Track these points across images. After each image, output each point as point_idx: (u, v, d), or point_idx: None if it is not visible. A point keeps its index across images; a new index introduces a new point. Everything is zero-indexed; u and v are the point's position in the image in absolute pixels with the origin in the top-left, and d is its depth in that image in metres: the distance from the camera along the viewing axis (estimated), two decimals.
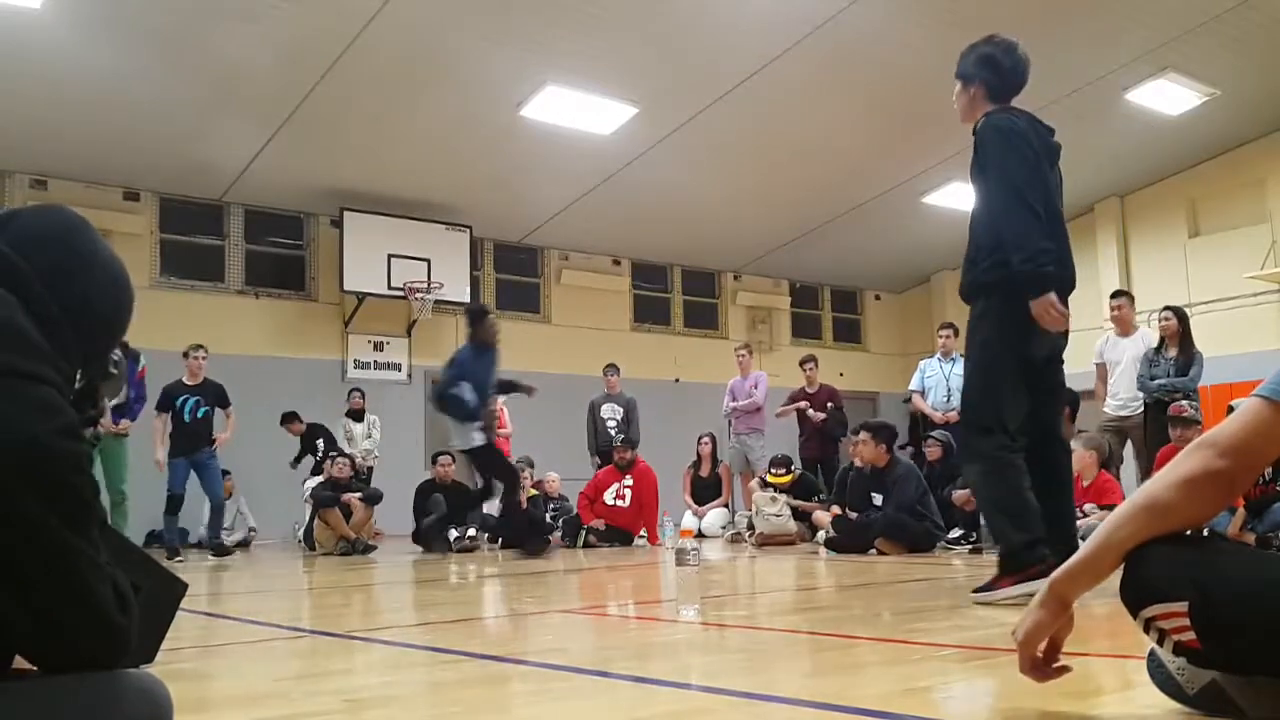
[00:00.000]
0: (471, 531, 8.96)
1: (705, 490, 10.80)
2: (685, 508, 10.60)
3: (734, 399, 10.81)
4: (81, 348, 1.33)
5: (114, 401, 7.60)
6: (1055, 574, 1.58)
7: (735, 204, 14.08)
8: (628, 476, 9.39)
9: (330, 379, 12.93)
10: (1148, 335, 8.54)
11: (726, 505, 10.95)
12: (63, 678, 1.20)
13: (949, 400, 9.02)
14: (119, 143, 11.16)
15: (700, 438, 10.96)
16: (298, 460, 11.13)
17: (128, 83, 9.95)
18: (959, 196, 14.68)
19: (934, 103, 11.70)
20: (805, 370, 10.70)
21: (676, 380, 15.07)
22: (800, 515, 8.80)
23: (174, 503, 8.69)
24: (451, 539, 8.86)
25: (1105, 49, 11.15)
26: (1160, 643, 1.49)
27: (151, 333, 9.74)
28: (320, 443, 10.95)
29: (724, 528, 10.22)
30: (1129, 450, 8.33)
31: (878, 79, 11.21)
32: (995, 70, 3.76)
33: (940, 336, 9.45)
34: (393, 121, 11.33)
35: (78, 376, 1.35)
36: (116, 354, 1.49)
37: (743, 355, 11.06)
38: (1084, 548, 1.57)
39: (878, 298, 18.64)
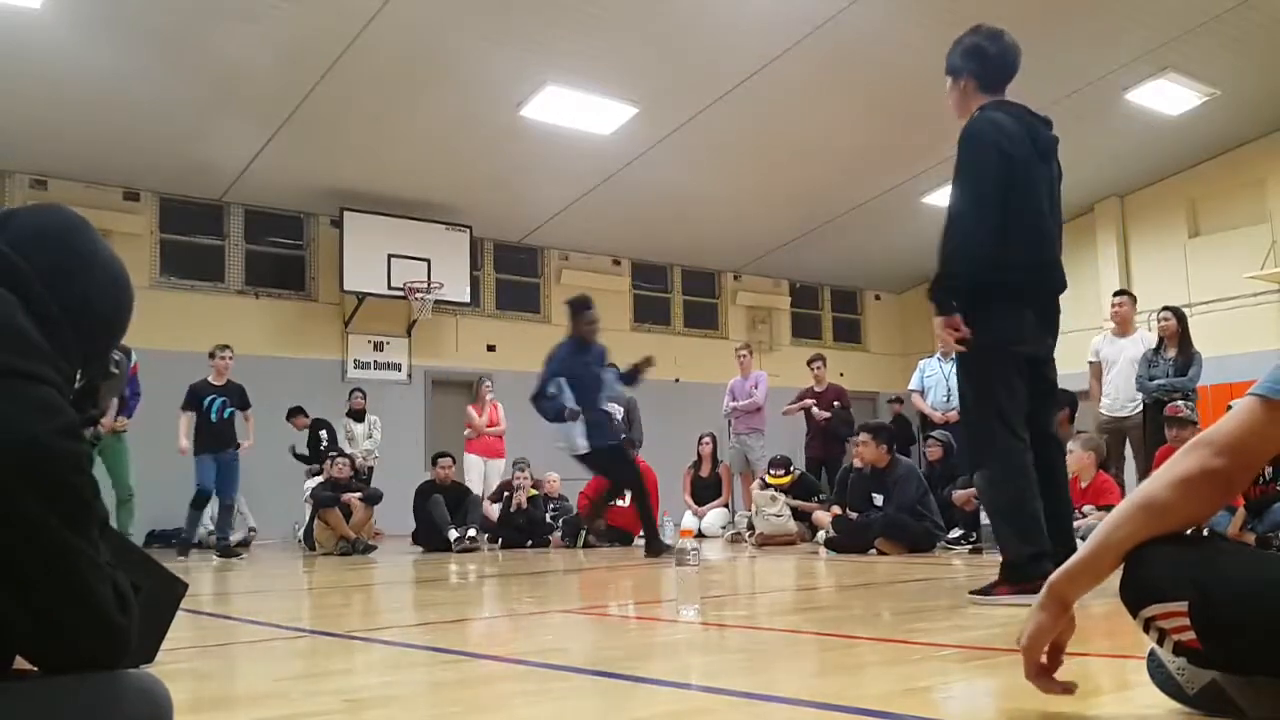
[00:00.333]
0: (472, 532, 8.97)
1: (705, 490, 10.79)
2: (685, 508, 10.60)
3: (734, 399, 10.81)
4: (82, 348, 1.33)
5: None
6: (1055, 575, 1.58)
7: (735, 204, 14.08)
8: None
9: (330, 379, 12.93)
10: (1146, 336, 8.55)
11: (726, 505, 10.95)
12: (63, 678, 1.19)
13: (948, 400, 9.02)
14: (119, 143, 11.16)
15: (700, 438, 10.96)
16: (307, 452, 11.10)
17: (128, 83, 9.95)
18: None
19: (934, 103, 11.73)
20: (813, 369, 10.70)
21: (676, 380, 15.07)
22: (800, 515, 8.80)
23: (201, 498, 8.75)
24: (452, 539, 8.87)
25: (1105, 49, 11.15)
26: (1160, 643, 1.49)
27: (151, 333, 9.78)
28: (324, 433, 10.97)
29: (724, 528, 10.22)
30: (1128, 450, 8.33)
31: (878, 79, 11.21)
32: (982, 60, 3.73)
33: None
34: (393, 121, 11.33)
35: (78, 376, 1.35)
36: (117, 354, 1.49)
37: (743, 355, 11.06)
38: (1083, 548, 1.57)
39: (878, 298, 18.64)
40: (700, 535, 9.93)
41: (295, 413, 11.21)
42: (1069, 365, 3.94)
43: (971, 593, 3.62)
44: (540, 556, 7.88)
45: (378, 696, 2.24)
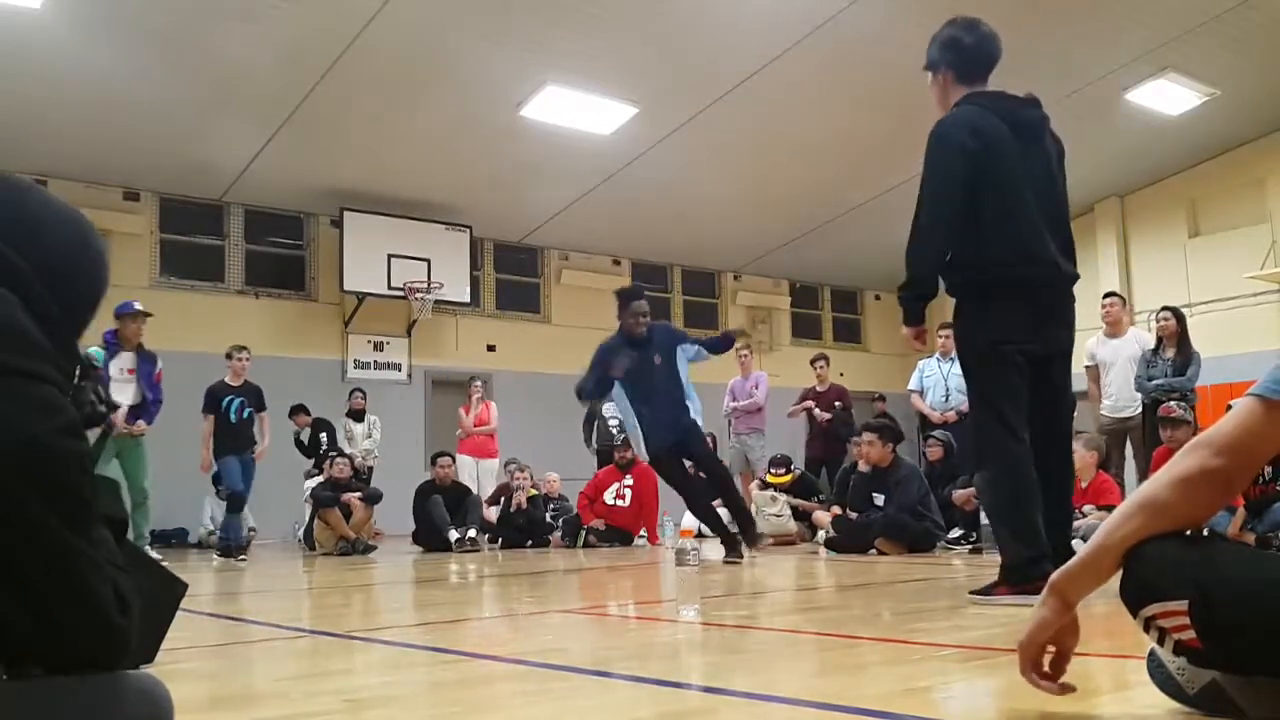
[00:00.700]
0: (472, 533, 8.97)
1: (705, 490, 10.77)
2: (685, 508, 10.58)
3: (734, 399, 10.81)
4: (76, 334, 1.33)
5: (130, 402, 7.63)
6: (1056, 575, 1.58)
7: (735, 204, 14.09)
8: (628, 476, 9.38)
9: (330, 379, 12.93)
10: (1141, 336, 8.55)
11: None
12: (63, 678, 1.19)
13: (947, 400, 9.03)
14: (119, 143, 11.17)
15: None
16: (308, 447, 11.10)
17: (128, 83, 9.95)
18: None
19: (934, 103, 11.81)
20: (816, 369, 10.70)
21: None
22: (800, 515, 8.80)
23: (236, 501, 8.73)
24: (452, 539, 8.87)
25: (1105, 49, 11.16)
26: (1160, 642, 1.49)
27: (152, 333, 9.73)
28: (324, 435, 10.97)
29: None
30: (1128, 450, 8.33)
31: (878, 79, 11.21)
32: (958, 51, 3.68)
33: (940, 336, 9.43)
34: (393, 121, 11.34)
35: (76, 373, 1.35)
36: (96, 354, 1.50)
37: (744, 355, 11.05)
38: (1084, 549, 1.57)
39: (878, 298, 18.64)
40: (700, 535, 9.91)
41: (297, 410, 11.21)
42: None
43: (971, 593, 3.62)
44: (540, 556, 7.88)
45: (378, 696, 2.24)
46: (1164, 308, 8.16)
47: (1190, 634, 1.42)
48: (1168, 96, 12.40)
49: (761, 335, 16.52)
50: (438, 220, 13.44)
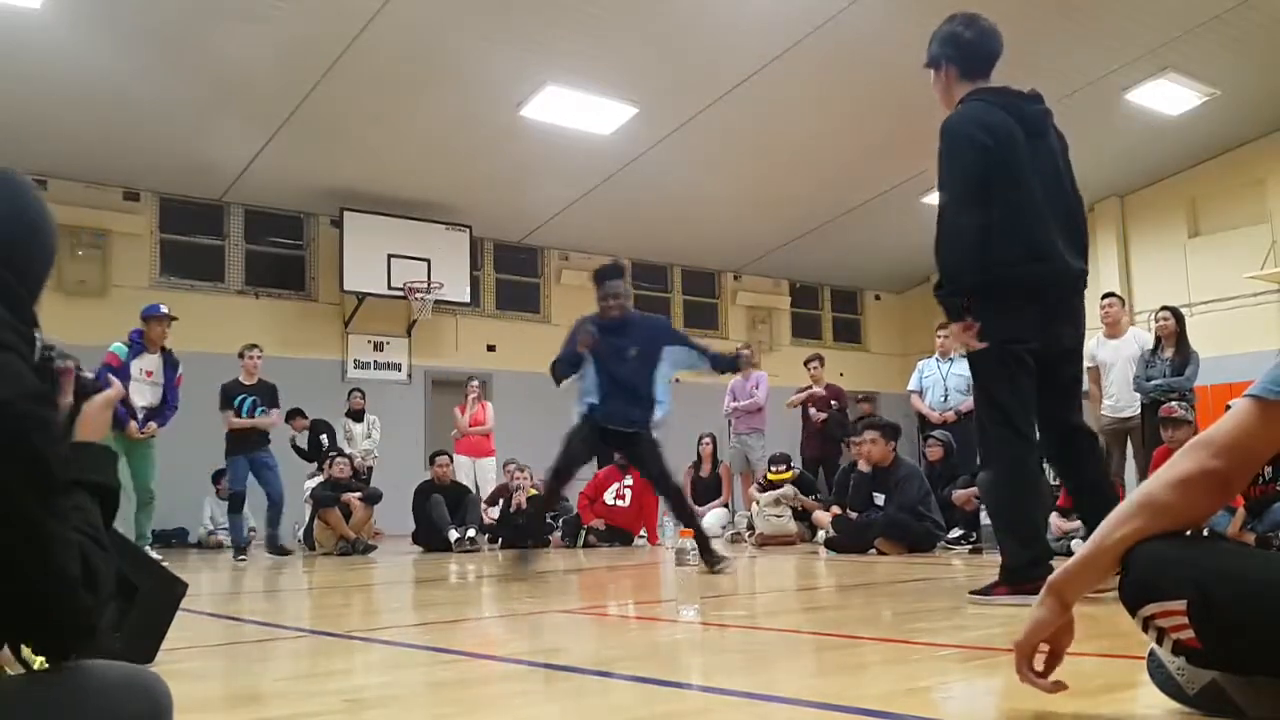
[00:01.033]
0: (471, 532, 8.97)
1: (705, 490, 10.79)
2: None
3: (735, 399, 10.82)
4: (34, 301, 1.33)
5: (147, 404, 7.65)
6: (1054, 574, 1.58)
7: (735, 204, 14.09)
8: (628, 476, 9.38)
9: (330, 379, 12.93)
10: (1141, 336, 8.55)
11: (726, 505, 10.95)
12: (62, 675, 1.19)
13: (946, 400, 9.04)
14: (119, 143, 11.16)
15: (701, 438, 10.96)
16: (309, 449, 11.09)
17: (128, 83, 9.95)
18: None
19: (934, 103, 11.80)
20: (810, 369, 10.69)
21: (676, 380, 15.06)
22: (800, 515, 8.80)
23: (236, 501, 8.75)
24: (452, 539, 8.88)
25: (1105, 49, 11.15)
26: (1159, 642, 1.50)
27: None
28: (324, 438, 10.97)
29: (724, 528, 10.22)
30: (1128, 450, 8.34)
31: (878, 79, 11.21)
32: (959, 46, 3.66)
33: (938, 337, 9.44)
34: (393, 121, 11.34)
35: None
36: (67, 361, 1.47)
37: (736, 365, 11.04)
38: (1083, 548, 1.57)
39: (878, 298, 18.65)
40: (703, 536, 9.91)
41: (294, 414, 11.20)
42: None
43: (971, 593, 3.62)
44: (540, 556, 7.87)
45: (378, 696, 2.24)
46: (1163, 308, 8.16)
47: (1189, 634, 1.43)
48: (1168, 96, 12.39)
49: (761, 335, 16.53)
50: (438, 220, 13.44)
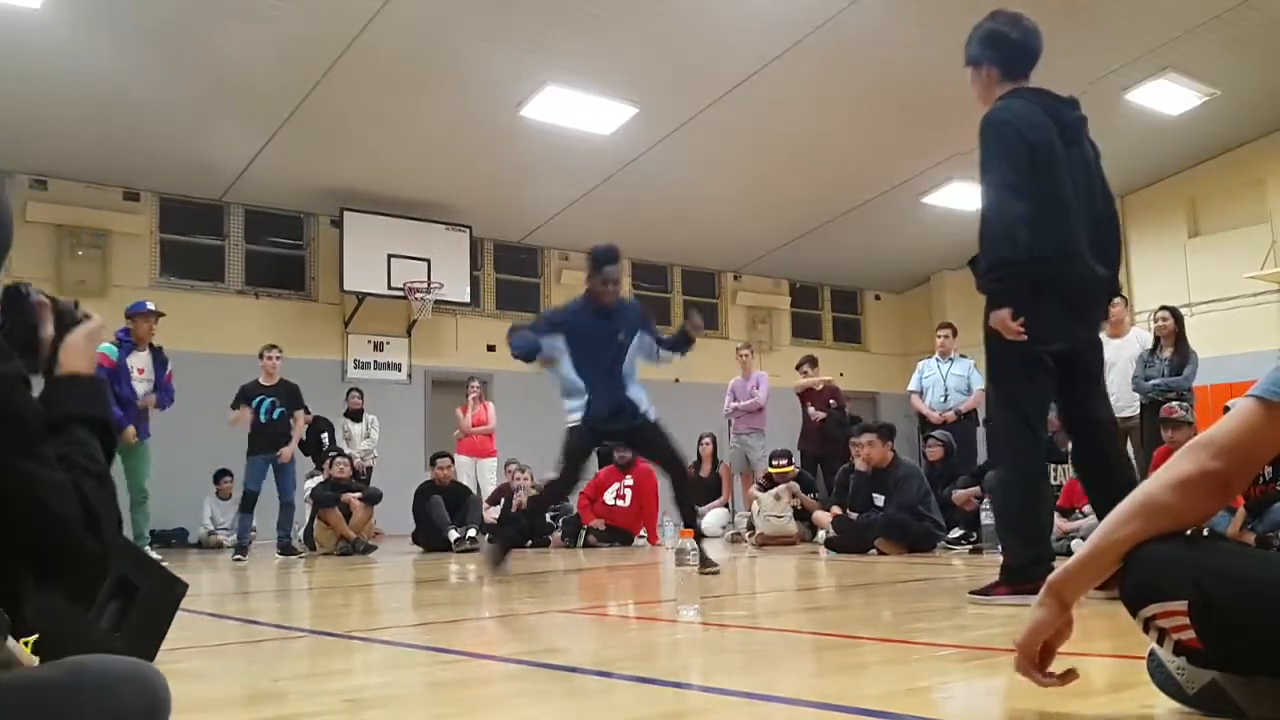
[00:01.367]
0: (472, 533, 8.97)
1: (705, 490, 10.79)
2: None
3: (735, 399, 10.82)
4: None
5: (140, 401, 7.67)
6: (1054, 574, 1.58)
7: (735, 204, 14.09)
8: (628, 476, 9.39)
9: (330, 379, 12.93)
10: (1141, 335, 8.55)
11: (726, 505, 10.95)
12: (60, 670, 1.19)
13: (946, 400, 9.04)
14: (119, 143, 11.16)
15: (701, 438, 10.96)
16: (306, 444, 11.09)
17: (128, 83, 9.95)
18: (959, 196, 14.69)
19: (934, 103, 11.82)
20: (801, 373, 10.67)
21: (676, 380, 15.08)
22: (800, 515, 8.80)
23: (249, 500, 8.72)
24: (452, 540, 8.87)
25: (1105, 49, 11.15)
26: (1160, 642, 1.50)
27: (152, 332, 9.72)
28: (325, 436, 10.96)
29: (724, 528, 10.23)
30: (1129, 450, 8.33)
31: (878, 79, 11.22)
32: (1002, 46, 3.64)
33: (938, 337, 9.45)
34: (393, 121, 11.34)
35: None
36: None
37: (745, 355, 11.06)
38: (1083, 548, 1.57)
39: (878, 298, 18.65)
40: (700, 535, 9.90)
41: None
42: None
43: (971, 593, 3.61)
44: (540, 556, 7.88)
45: (378, 696, 2.24)
46: (1161, 307, 8.15)
47: (1190, 634, 1.43)
48: (1168, 96, 12.40)
49: (761, 335, 16.53)
50: (438, 220, 13.44)
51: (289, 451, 8.81)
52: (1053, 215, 3.46)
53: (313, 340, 13.11)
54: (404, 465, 11.86)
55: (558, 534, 9.36)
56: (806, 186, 13.91)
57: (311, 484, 10.04)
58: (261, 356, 8.94)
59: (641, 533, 9.46)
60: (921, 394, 9.28)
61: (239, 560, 8.16)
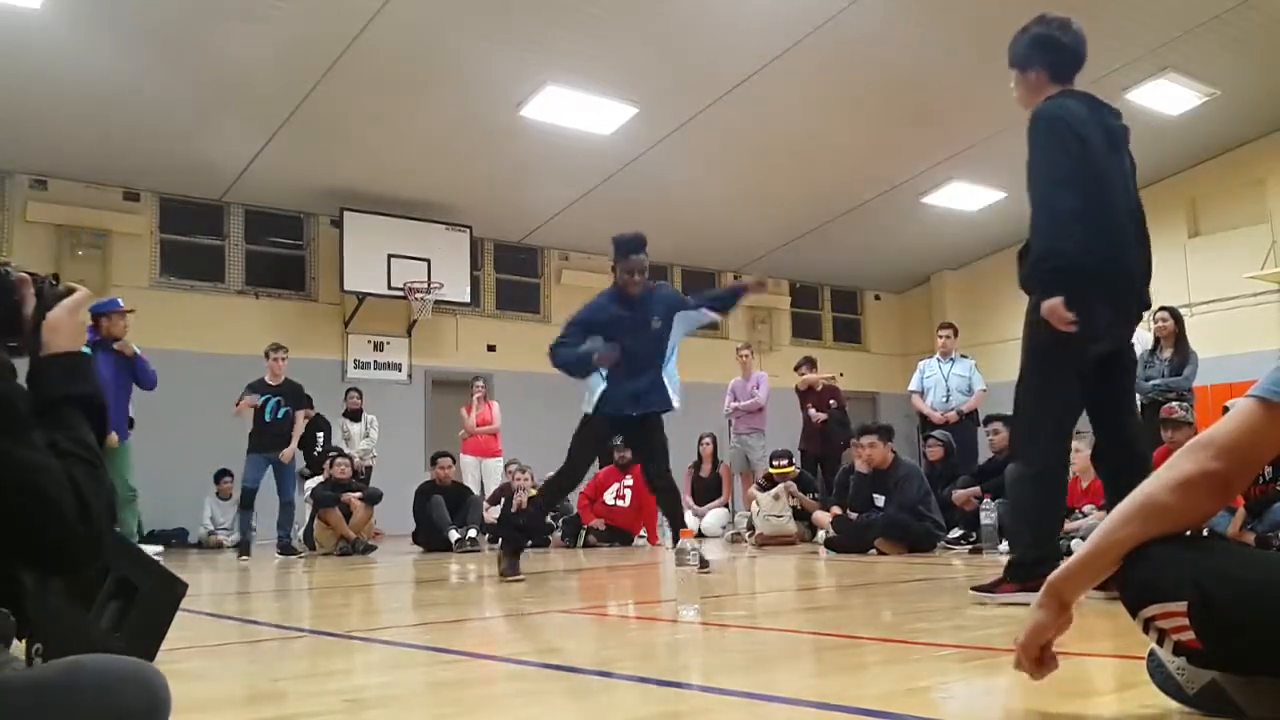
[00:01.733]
0: (472, 533, 8.97)
1: (706, 490, 10.80)
2: (685, 508, 10.58)
3: (735, 399, 10.82)
4: None
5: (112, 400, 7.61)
6: (1053, 574, 1.58)
7: (735, 204, 14.09)
8: (628, 476, 9.39)
9: (330, 379, 12.92)
10: (1142, 336, 8.54)
11: (726, 505, 10.95)
12: (61, 668, 1.19)
13: (948, 400, 9.04)
14: (119, 143, 11.16)
15: (701, 438, 10.95)
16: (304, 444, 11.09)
17: (128, 83, 9.95)
18: (959, 196, 14.71)
19: (934, 103, 11.84)
20: (799, 374, 10.66)
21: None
22: (800, 515, 8.80)
23: (248, 497, 8.76)
24: (452, 540, 8.87)
25: (1105, 49, 11.13)
26: (1160, 643, 1.49)
27: (151, 332, 9.76)
28: (320, 436, 10.97)
29: (724, 528, 10.23)
30: None
31: (878, 79, 11.22)
32: (1054, 50, 3.63)
33: (939, 337, 9.45)
34: (393, 121, 11.34)
35: None
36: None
37: (745, 355, 11.06)
38: (1082, 549, 1.57)
39: (878, 298, 18.65)
40: (700, 535, 9.93)
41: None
42: None
43: (974, 588, 3.60)
44: (540, 556, 7.88)
45: (378, 696, 2.24)
46: (1161, 308, 8.14)
47: (1190, 634, 1.42)
48: (1168, 96, 12.40)
49: (761, 335, 16.52)
50: (438, 220, 13.44)
51: (290, 452, 8.81)
52: (1102, 211, 3.45)
53: (313, 340, 13.10)
54: (404, 465, 11.86)
55: (558, 534, 9.36)
56: (806, 186, 13.92)
57: (312, 484, 10.05)
58: (268, 356, 8.95)
59: (641, 533, 9.46)
60: (923, 394, 9.28)
61: (244, 560, 8.16)
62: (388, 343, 13.76)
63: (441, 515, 9.11)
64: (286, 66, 10.10)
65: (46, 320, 1.37)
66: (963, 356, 9.34)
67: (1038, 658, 1.58)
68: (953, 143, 12.97)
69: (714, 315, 5.96)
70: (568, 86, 11.00)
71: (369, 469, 11.17)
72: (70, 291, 1.42)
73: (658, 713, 1.93)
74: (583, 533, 9.16)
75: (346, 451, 10.54)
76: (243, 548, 8.65)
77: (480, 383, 11.36)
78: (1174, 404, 6.69)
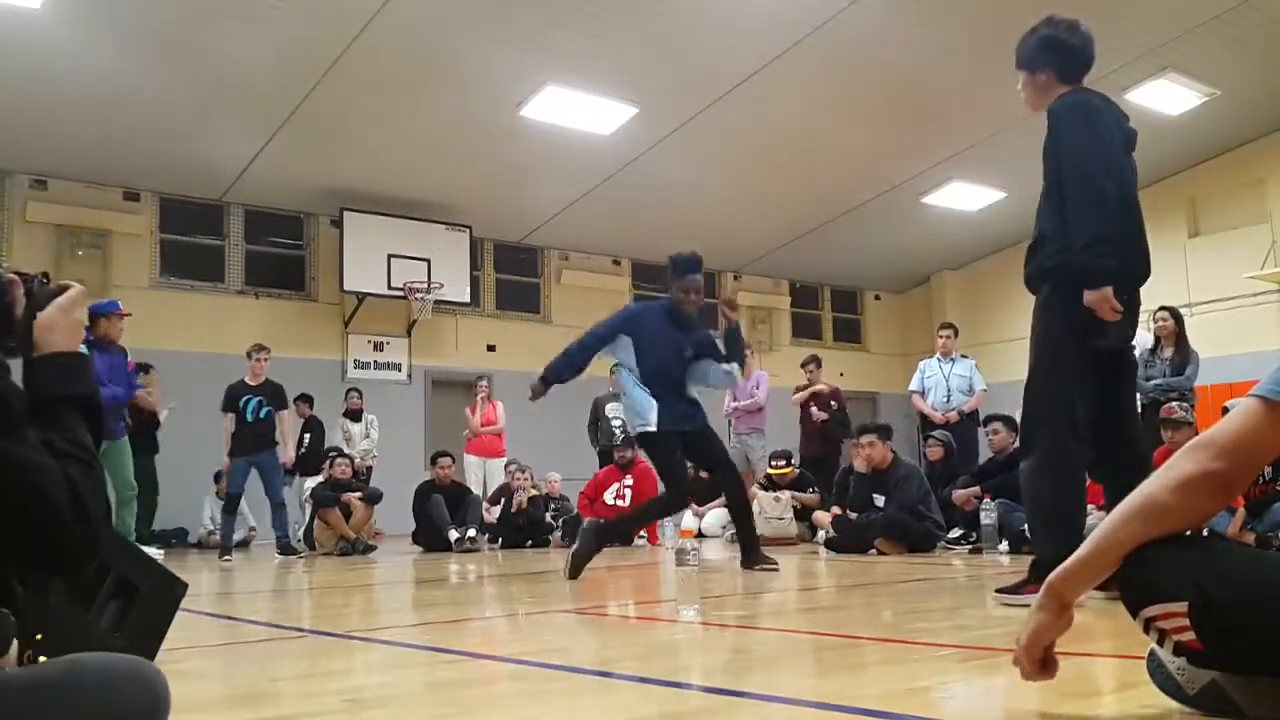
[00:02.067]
0: (472, 532, 8.97)
1: (706, 490, 10.78)
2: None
3: (735, 399, 10.81)
4: None
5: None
6: (1053, 575, 1.58)
7: (735, 204, 14.09)
8: (628, 476, 9.39)
9: (330, 379, 12.92)
10: (1142, 336, 8.54)
11: (727, 505, 10.92)
12: (61, 668, 1.19)
13: (948, 400, 9.04)
14: (119, 143, 11.16)
15: None
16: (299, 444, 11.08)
17: (128, 83, 9.95)
18: (959, 196, 14.70)
19: (934, 103, 11.84)
20: (806, 371, 10.66)
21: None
22: (801, 515, 8.80)
23: (232, 502, 8.79)
24: (452, 539, 8.87)
25: (1105, 49, 11.06)
26: (1160, 643, 1.49)
27: (152, 333, 9.76)
28: (307, 437, 10.97)
29: (724, 528, 10.21)
30: None
31: (878, 79, 11.21)
32: (1063, 51, 3.63)
33: (940, 337, 9.45)
34: (393, 121, 11.33)
35: None
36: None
37: (745, 355, 11.04)
38: (1082, 549, 1.57)
39: (878, 298, 18.65)
40: (700, 535, 9.93)
41: (303, 398, 11.18)
42: None
43: (998, 590, 3.54)
44: (540, 556, 7.88)
45: (378, 696, 2.24)
46: (1161, 308, 8.15)
47: (1190, 635, 1.42)
48: (1168, 96, 12.39)
49: (761, 335, 16.52)
50: (438, 220, 13.44)
51: (291, 455, 8.82)
52: (1125, 205, 3.44)
53: (313, 340, 13.11)
54: (404, 465, 11.86)
55: (558, 534, 9.36)
56: (806, 186, 13.91)
57: (311, 484, 10.06)
58: (250, 357, 8.94)
59: (641, 533, 9.45)
60: (923, 394, 9.28)
61: (226, 561, 8.16)
62: (388, 343, 13.76)
63: (441, 515, 9.11)
64: (286, 66, 10.10)
65: (39, 320, 1.35)
66: (963, 356, 9.34)
67: (1040, 660, 1.58)
68: (953, 143, 12.97)
69: (731, 365, 5.79)
70: (568, 86, 11.00)
71: (369, 469, 11.17)
72: (63, 290, 1.40)
73: (658, 713, 1.93)
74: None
75: (347, 451, 10.55)
76: (224, 549, 8.64)
77: (484, 382, 11.37)
78: (1174, 404, 6.69)
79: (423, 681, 2.44)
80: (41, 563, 1.19)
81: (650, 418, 5.35)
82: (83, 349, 1.39)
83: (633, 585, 5.59)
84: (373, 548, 8.98)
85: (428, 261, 13.18)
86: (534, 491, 9.78)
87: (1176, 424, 6.38)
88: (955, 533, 7.40)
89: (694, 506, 10.62)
